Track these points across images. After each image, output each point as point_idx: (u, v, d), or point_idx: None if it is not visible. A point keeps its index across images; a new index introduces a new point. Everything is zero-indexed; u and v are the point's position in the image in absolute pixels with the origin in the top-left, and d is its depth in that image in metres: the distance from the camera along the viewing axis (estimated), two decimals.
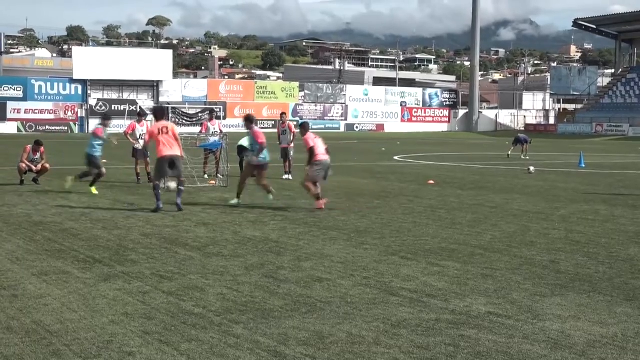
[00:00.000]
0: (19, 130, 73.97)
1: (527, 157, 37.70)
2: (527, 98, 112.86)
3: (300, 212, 15.89)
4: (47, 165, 21.42)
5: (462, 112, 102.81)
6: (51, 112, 77.16)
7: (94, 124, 76.95)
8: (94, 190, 19.11)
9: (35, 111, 76.34)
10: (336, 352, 6.50)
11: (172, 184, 16.93)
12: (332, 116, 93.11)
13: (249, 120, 17.60)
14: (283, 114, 26.56)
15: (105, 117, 21.07)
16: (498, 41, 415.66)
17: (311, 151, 16.67)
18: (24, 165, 20.85)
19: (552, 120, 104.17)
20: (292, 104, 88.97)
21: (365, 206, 17.12)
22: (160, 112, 17.13)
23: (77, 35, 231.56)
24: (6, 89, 75.81)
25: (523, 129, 42.09)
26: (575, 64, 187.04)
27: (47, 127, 75.76)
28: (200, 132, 25.17)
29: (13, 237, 12.36)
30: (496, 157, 40.55)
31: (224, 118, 77.87)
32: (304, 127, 17.56)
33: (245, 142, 24.87)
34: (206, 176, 23.11)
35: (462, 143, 62.22)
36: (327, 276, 9.54)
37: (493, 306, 8.12)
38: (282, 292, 8.67)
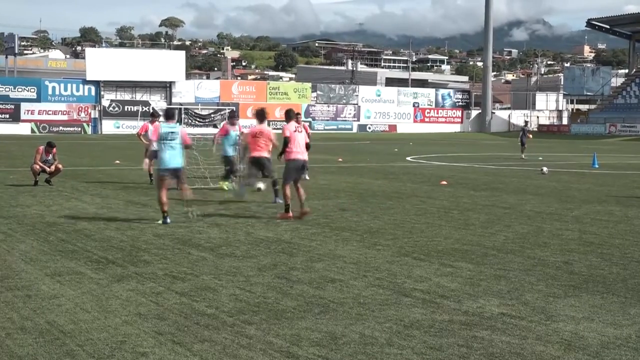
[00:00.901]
0: (32, 131, 74.25)
1: (526, 157, 37.79)
2: (540, 98, 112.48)
3: (312, 213, 15.87)
4: (60, 166, 21.50)
5: (474, 112, 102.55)
6: (64, 113, 77.39)
7: (107, 124, 77.60)
8: (225, 185, 20.32)
9: (49, 112, 76.62)
10: (349, 353, 6.50)
11: (261, 185, 18.06)
12: (345, 117, 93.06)
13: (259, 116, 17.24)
14: (297, 114, 26.47)
15: (232, 116, 22.01)
16: (511, 41, 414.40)
17: (285, 142, 15.11)
18: (37, 167, 20.93)
19: (565, 121, 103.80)
20: (304, 104, 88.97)
21: (378, 207, 17.10)
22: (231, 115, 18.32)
23: (90, 37, 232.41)
24: (20, 90, 76.13)
25: (524, 124, 42.12)
26: (588, 64, 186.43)
27: (61, 128, 76.02)
28: (220, 135, 24.62)
29: (27, 237, 12.41)
30: (509, 157, 40.45)
31: (237, 119, 77.92)
32: (287, 114, 15.88)
33: None
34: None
35: (474, 144, 62.11)
36: (340, 277, 9.54)
37: (506, 307, 8.10)
38: (295, 292, 8.67)
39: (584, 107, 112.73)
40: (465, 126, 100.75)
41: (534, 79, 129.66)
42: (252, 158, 16.96)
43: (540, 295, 8.65)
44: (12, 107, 74.73)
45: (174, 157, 14.23)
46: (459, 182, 23.77)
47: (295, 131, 15.29)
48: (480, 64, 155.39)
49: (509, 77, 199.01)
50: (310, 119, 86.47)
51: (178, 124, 14.92)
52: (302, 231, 13.33)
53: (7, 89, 75.47)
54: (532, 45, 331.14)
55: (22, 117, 75.04)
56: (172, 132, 14.30)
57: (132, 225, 13.81)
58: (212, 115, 77.73)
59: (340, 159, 31.38)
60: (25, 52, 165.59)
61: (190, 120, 76.43)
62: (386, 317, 7.63)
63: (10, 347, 6.53)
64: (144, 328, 7.16)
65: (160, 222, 14.02)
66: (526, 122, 45.06)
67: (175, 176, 14.48)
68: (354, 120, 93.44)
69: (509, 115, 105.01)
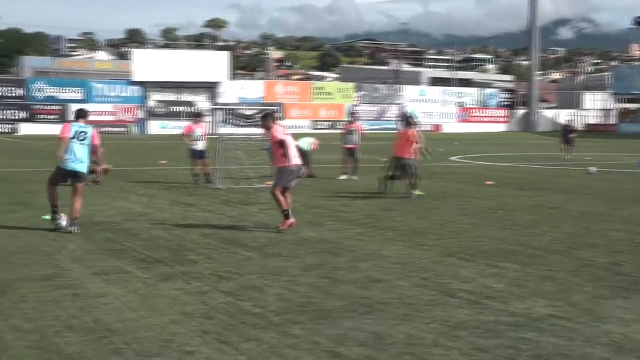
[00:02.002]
0: None
1: (570, 159, 37.06)
2: (587, 98, 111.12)
3: (357, 213, 15.87)
4: (107, 167, 21.71)
5: (520, 112, 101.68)
6: (111, 114, 78.26)
7: (153, 125, 78.28)
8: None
9: (96, 113, 77.43)
10: (395, 353, 6.48)
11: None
12: (389, 117, 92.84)
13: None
14: (353, 114, 26.41)
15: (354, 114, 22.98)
16: (557, 40, 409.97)
17: (283, 146, 13.56)
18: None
19: (613, 120, 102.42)
20: (348, 104, 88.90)
21: (423, 207, 17.03)
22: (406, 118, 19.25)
23: (135, 38, 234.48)
24: (67, 91, 77.12)
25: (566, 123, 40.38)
26: (637, 63, 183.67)
27: (107, 128, 76.89)
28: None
29: (75, 237, 12.56)
30: (556, 157, 40.01)
31: (281, 119, 78.12)
32: (266, 118, 14.16)
33: (304, 144, 25.08)
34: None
35: (520, 143, 61.56)
36: (385, 277, 9.52)
37: (553, 308, 8.01)
38: (340, 293, 8.67)
39: (633, 106, 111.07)
40: (511, 126, 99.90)
41: (580, 78, 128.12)
42: (396, 159, 17.85)
43: (588, 297, 8.55)
44: (60, 108, 75.73)
45: (79, 160, 13.56)
46: (504, 182, 23.57)
47: (284, 134, 13.83)
48: (525, 63, 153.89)
49: (555, 76, 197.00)
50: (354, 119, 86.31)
51: (91, 126, 14.15)
52: (347, 231, 13.32)
53: (55, 91, 76.51)
54: (579, 44, 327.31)
55: (70, 118, 75.83)
56: (83, 132, 13.64)
57: (178, 225, 13.91)
58: (257, 116, 77.96)
59: (384, 159, 31.30)
60: (72, 53, 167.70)
61: (234, 121, 76.80)
62: (432, 318, 7.60)
63: (58, 346, 6.62)
64: (190, 327, 7.21)
65: (49, 217, 13.65)
66: (569, 121, 43.70)
67: (75, 180, 13.72)
68: (398, 120, 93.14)
69: (556, 115, 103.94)
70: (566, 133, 39.60)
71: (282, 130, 13.96)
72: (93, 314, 7.66)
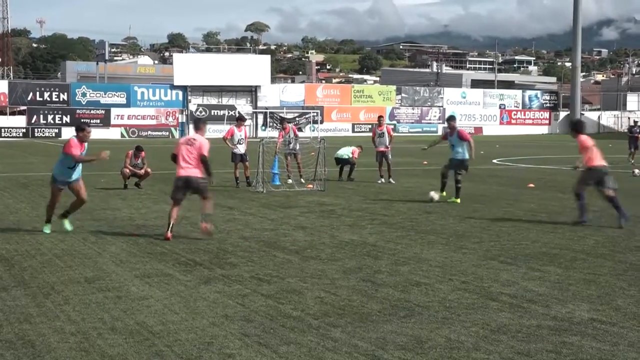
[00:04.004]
0: (122, 135, 75.92)
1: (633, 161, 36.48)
2: (632, 99, 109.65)
3: (397, 216, 15.83)
4: (149, 170, 21.93)
5: (563, 114, 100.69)
6: (153, 117, 78.93)
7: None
8: None
9: (138, 117, 78.22)
10: (435, 357, 6.45)
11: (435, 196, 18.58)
12: (430, 119, 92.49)
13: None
14: (380, 117, 26.33)
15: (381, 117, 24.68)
16: (600, 41, 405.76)
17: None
18: (127, 170, 21.39)
19: None
20: (389, 107, 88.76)
21: (464, 210, 16.94)
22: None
23: (177, 42, 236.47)
24: (110, 95, 77.94)
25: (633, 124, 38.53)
26: None
27: (149, 132, 77.57)
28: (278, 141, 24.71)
29: (117, 239, 12.69)
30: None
31: (321, 122, 78.22)
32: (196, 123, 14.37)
33: (344, 152, 25.20)
34: (302, 180, 23.24)
35: (563, 146, 60.93)
36: (425, 280, 9.48)
37: (596, 312, 7.92)
38: (380, 296, 8.65)
39: None
40: (554, 128, 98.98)
41: (624, 79, 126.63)
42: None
43: (632, 301, 8.43)
44: (103, 112, 76.58)
45: (76, 171, 13.54)
46: (547, 185, 23.36)
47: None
48: (568, 64, 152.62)
49: (599, 77, 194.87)
50: (394, 122, 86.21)
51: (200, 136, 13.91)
52: (387, 234, 13.29)
53: (98, 95, 77.36)
54: (623, 44, 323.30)
55: (112, 122, 76.79)
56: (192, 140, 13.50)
57: (219, 228, 13.98)
58: (297, 119, 78.13)
59: (425, 162, 31.20)
60: (115, 58, 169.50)
61: (275, 124, 77.03)
62: (472, 321, 7.55)
63: (101, 347, 6.69)
64: (230, 330, 7.24)
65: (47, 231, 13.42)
66: (635, 122, 42.06)
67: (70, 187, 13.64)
68: (439, 123, 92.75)
69: (599, 117, 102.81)
70: (634, 134, 38.70)
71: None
72: (135, 316, 7.73)
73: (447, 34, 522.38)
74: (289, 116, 79.03)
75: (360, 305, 8.20)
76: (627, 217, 14.62)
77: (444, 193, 18.92)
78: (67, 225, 13.64)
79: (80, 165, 13.67)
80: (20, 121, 74.06)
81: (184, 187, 13.22)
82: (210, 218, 13.22)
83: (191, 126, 22.88)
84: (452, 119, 20.29)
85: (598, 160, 15.33)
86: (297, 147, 23.85)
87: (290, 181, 23.13)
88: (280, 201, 18.24)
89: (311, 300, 8.45)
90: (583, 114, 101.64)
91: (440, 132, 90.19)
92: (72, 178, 13.58)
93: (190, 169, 13.12)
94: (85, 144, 13.58)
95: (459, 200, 18.51)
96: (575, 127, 15.97)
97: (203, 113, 79.09)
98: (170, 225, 12.92)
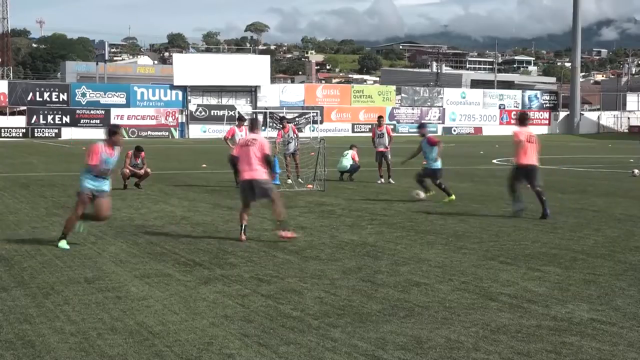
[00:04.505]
0: (122, 135, 75.94)
1: None
2: (631, 99, 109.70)
3: (397, 216, 15.83)
4: (149, 170, 21.93)
5: (562, 114, 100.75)
6: (152, 117, 79.00)
7: (194, 129, 78.83)
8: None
9: (138, 117, 78.31)
10: (434, 357, 6.45)
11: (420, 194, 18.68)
12: (430, 119, 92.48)
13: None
14: (380, 117, 26.33)
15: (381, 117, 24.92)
16: (600, 41, 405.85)
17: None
18: (127, 171, 21.39)
19: None
20: (388, 107, 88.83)
21: (464, 210, 16.94)
22: None
23: (177, 43, 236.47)
24: (110, 95, 78.03)
25: None
26: None
27: (149, 132, 77.61)
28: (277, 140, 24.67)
29: (116, 240, 12.69)
30: (599, 159, 39.60)
31: (321, 122, 78.31)
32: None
33: (345, 163, 25.27)
34: (300, 180, 23.25)
35: (562, 146, 60.98)
36: (425, 280, 9.48)
37: (596, 312, 7.92)
38: (380, 296, 8.65)
39: None
40: (553, 128, 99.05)
41: (624, 79, 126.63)
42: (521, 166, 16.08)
43: (632, 301, 8.44)
44: (103, 112, 76.65)
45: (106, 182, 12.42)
46: (546, 185, 23.29)
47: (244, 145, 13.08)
48: (568, 64, 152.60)
49: (598, 77, 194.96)
50: (394, 122, 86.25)
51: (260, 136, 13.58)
52: (387, 234, 13.30)
53: (97, 95, 77.46)
54: (623, 44, 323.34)
55: (112, 122, 76.81)
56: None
57: (219, 228, 13.99)
58: (297, 119, 78.15)
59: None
60: (115, 58, 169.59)
61: (275, 125, 77.05)
62: (472, 322, 7.55)
63: (101, 347, 6.69)
64: (230, 330, 7.25)
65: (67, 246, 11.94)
66: None
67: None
68: (439, 123, 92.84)
69: (599, 117, 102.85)
70: None
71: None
72: (135, 317, 7.73)
73: (446, 34, 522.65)
74: (289, 116, 79.05)
75: (360, 306, 8.20)
76: (548, 214, 15.46)
77: (432, 192, 18.88)
78: (81, 227, 12.45)
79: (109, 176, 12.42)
80: (20, 121, 74.15)
81: (250, 190, 12.78)
82: (285, 224, 12.85)
83: (239, 126, 22.66)
84: (422, 126, 20.62)
85: (528, 158, 15.91)
86: (297, 145, 23.83)
87: (289, 181, 23.14)
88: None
89: (311, 300, 8.45)
90: (583, 114, 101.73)
91: (440, 133, 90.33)
92: (103, 189, 12.22)
93: (254, 172, 12.71)
94: (117, 147, 12.44)
95: (453, 197, 18.50)
96: (518, 119, 16.77)
97: (203, 114, 79.17)
98: (243, 228, 12.70)
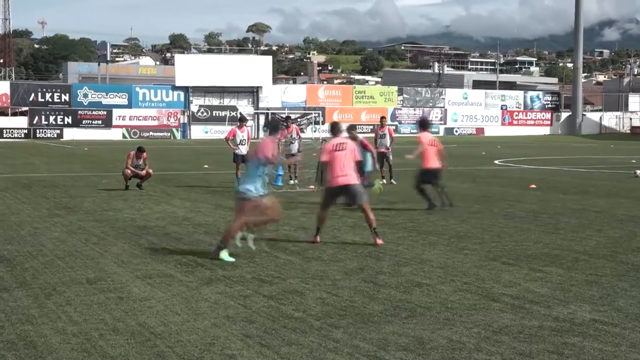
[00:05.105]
0: (123, 136, 75.99)
1: None
2: (634, 100, 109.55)
3: (399, 217, 15.83)
4: (150, 171, 21.93)
5: (564, 114, 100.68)
6: (154, 118, 78.99)
7: (196, 129, 78.87)
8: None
9: (140, 118, 78.31)
10: (436, 357, 6.45)
11: None
12: (431, 120, 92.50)
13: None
14: (382, 118, 26.30)
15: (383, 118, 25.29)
16: (602, 42, 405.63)
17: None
18: (129, 171, 21.39)
19: None
20: (390, 108, 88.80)
21: (465, 211, 16.93)
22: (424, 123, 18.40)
23: (179, 43, 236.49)
24: (112, 96, 78.01)
25: None
26: None
27: (151, 133, 77.62)
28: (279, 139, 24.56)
29: (118, 240, 12.69)
30: (601, 160, 39.58)
31: (323, 123, 78.26)
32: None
33: None
34: (294, 181, 23.21)
35: (565, 146, 60.95)
36: (427, 281, 9.48)
37: (598, 313, 7.92)
38: (382, 296, 8.65)
39: None
40: (555, 129, 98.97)
41: (626, 79, 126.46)
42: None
43: (634, 302, 8.43)
44: (105, 113, 76.66)
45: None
46: (548, 186, 23.35)
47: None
48: (570, 65, 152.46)
49: (601, 78, 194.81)
50: (396, 123, 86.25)
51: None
52: (389, 235, 13.29)
53: (99, 96, 77.45)
54: (625, 45, 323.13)
55: (114, 122, 76.88)
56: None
57: (221, 229, 13.97)
58: (299, 120, 78.17)
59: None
60: (117, 59, 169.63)
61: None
62: (474, 322, 7.55)
63: (103, 348, 6.69)
64: (232, 330, 7.25)
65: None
66: None
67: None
68: (441, 124, 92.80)
69: (601, 117, 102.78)
70: None
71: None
72: (137, 317, 7.73)
73: (448, 35, 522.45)
74: (291, 117, 78.79)
75: (362, 306, 8.20)
76: (434, 206, 16.55)
77: (381, 181, 20.04)
78: (249, 241, 11.44)
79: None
80: (22, 122, 74.16)
81: (339, 195, 12.66)
82: (377, 230, 12.54)
83: (240, 127, 22.58)
84: (351, 128, 20.51)
85: (431, 162, 16.83)
86: (299, 146, 23.81)
87: (292, 182, 23.13)
88: (282, 202, 18.23)
89: (313, 301, 8.45)
90: (585, 115, 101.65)
91: (442, 133, 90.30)
92: (264, 190, 11.62)
93: (348, 177, 12.45)
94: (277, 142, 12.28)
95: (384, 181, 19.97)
96: (419, 124, 17.52)
97: (205, 114, 79.20)
98: (319, 230, 12.57)
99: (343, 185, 12.47)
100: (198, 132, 79.31)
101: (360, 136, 18.11)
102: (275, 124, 12.68)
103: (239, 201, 11.40)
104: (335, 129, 13.13)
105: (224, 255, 10.96)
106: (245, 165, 22.19)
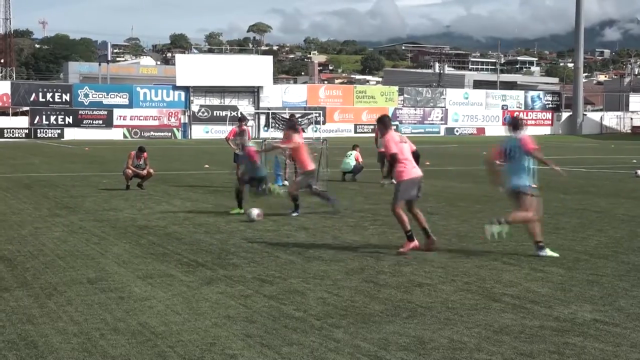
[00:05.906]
0: (124, 136, 76.07)
1: None
2: (634, 99, 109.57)
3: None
4: (151, 171, 21.94)
5: (565, 114, 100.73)
6: (155, 118, 79.07)
7: (196, 129, 78.90)
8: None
9: (140, 117, 78.39)
10: (437, 357, 6.45)
11: None
12: (432, 120, 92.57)
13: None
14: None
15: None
16: (603, 41, 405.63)
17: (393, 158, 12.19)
18: (130, 171, 21.40)
19: None
20: (391, 108, 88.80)
21: (466, 211, 16.93)
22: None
23: (180, 43, 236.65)
24: (113, 96, 78.10)
25: None
26: None
27: (152, 133, 77.66)
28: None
29: (119, 240, 12.69)
30: (601, 160, 39.57)
31: (324, 123, 78.30)
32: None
33: (349, 162, 25.30)
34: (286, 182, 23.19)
35: (565, 146, 60.93)
36: (428, 281, 9.47)
37: (599, 313, 7.91)
38: (383, 296, 8.64)
39: None
40: (556, 129, 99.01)
41: (627, 79, 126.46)
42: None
43: (635, 302, 8.42)
44: (105, 113, 76.73)
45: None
46: (549, 186, 23.30)
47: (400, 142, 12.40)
48: (571, 65, 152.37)
49: (601, 78, 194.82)
50: (397, 123, 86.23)
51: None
52: (390, 235, 13.29)
53: (100, 96, 77.54)
54: (625, 45, 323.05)
55: (115, 122, 76.99)
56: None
57: (221, 229, 13.99)
58: (300, 120, 78.19)
59: (427, 162, 31.22)
60: (118, 59, 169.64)
61: (277, 125, 77.06)
62: (475, 322, 7.54)
63: (104, 348, 6.69)
64: (233, 330, 7.24)
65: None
66: None
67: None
68: (442, 124, 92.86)
69: (602, 117, 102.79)
70: None
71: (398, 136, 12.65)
72: (137, 317, 7.73)
73: (449, 35, 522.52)
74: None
75: (363, 306, 8.20)
76: (333, 200, 16.48)
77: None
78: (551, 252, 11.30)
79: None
80: (22, 122, 74.24)
81: (418, 188, 12.05)
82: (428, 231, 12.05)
83: (240, 126, 22.42)
84: (242, 119, 20.65)
85: (311, 164, 16.76)
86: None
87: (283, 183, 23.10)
88: (283, 202, 18.21)
89: (314, 301, 8.44)
90: (585, 115, 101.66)
91: (442, 133, 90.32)
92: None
93: (418, 168, 12.26)
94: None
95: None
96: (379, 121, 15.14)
97: (206, 114, 79.15)
98: (411, 232, 11.70)
99: (420, 176, 12.24)
100: (199, 132, 79.36)
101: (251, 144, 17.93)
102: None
103: (518, 195, 12.04)
104: (384, 123, 13.01)
105: (548, 252, 11.19)
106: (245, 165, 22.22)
